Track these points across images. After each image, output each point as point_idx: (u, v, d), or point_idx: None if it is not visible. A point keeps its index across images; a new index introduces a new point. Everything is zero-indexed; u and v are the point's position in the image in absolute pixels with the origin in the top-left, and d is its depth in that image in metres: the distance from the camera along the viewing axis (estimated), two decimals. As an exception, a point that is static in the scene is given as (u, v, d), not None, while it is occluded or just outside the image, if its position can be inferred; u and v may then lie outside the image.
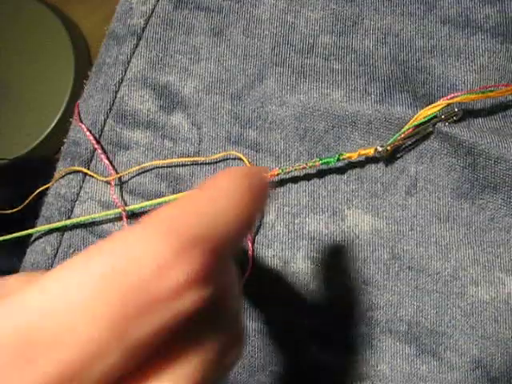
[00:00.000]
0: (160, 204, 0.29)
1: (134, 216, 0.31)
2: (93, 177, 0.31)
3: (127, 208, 0.28)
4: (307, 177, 0.30)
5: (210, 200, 0.15)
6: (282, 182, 0.30)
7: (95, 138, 0.31)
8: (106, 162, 0.30)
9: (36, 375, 0.12)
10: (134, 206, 0.28)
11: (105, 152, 0.31)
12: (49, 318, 0.12)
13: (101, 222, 0.31)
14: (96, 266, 0.13)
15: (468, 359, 0.28)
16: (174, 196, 0.28)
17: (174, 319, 0.13)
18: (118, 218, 0.31)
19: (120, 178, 0.31)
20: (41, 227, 0.28)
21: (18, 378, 0.12)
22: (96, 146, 0.31)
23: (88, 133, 0.31)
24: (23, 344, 0.12)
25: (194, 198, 0.15)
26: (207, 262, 0.14)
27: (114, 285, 0.13)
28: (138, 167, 0.30)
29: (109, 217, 0.30)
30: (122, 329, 0.13)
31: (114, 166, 0.31)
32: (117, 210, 0.28)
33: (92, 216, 0.28)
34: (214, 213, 0.15)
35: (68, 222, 0.27)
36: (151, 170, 0.31)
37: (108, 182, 0.31)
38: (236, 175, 0.16)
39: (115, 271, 0.13)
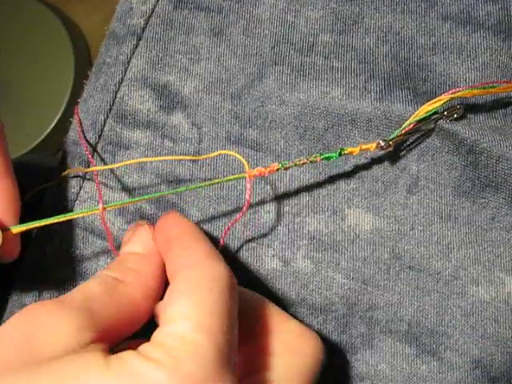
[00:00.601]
0: (136, 202, 0.30)
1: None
2: (84, 172, 0.31)
3: (106, 206, 0.27)
4: (307, 176, 0.30)
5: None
6: (282, 181, 0.30)
7: (90, 144, 0.31)
8: (93, 161, 0.30)
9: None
10: (112, 204, 0.27)
11: (99, 154, 0.31)
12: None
13: (100, 223, 0.31)
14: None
15: (468, 359, 0.28)
16: (147, 196, 0.28)
17: None
18: (116, 218, 0.31)
19: (120, 179, 0.31)
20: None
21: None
22: (89, 156, 0.31)
23: (84, 140, 0.31)
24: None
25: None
26: None
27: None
28: (123, 163, 0.30)
29: (107, 217, 0.30)
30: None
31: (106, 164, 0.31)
32: (95, 210, 0.27)
33: (70, 214, 0.27)
34: None
35: (53, 219, 0.26)
36: (151, 170, 0.31)
37: (92, 179, 0.31)
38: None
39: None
